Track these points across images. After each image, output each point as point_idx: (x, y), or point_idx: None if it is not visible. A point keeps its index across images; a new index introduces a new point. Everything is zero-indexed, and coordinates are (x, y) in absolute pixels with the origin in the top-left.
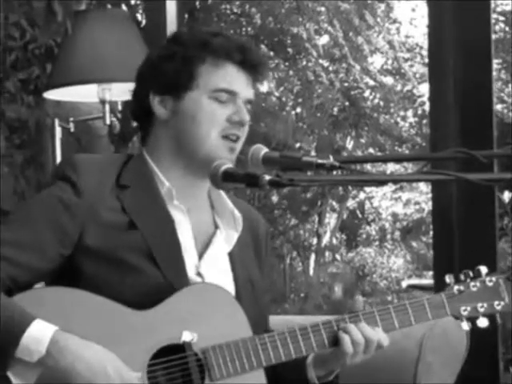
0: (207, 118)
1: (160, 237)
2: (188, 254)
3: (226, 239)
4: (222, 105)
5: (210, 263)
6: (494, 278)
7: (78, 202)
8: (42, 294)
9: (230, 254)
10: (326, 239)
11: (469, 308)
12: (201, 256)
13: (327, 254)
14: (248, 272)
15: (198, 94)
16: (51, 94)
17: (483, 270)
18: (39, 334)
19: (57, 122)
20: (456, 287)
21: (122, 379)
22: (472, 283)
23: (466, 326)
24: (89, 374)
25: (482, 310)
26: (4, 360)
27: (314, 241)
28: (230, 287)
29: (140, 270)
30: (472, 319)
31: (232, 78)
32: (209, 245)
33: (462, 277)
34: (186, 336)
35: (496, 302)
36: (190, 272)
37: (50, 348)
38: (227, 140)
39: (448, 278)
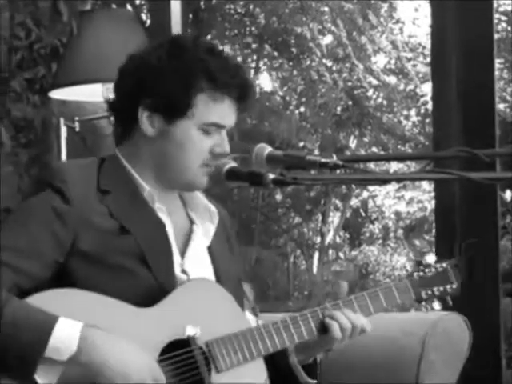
0: (194, 149)
1: (152, 240)
2: (173, 253)
3: (203, 233)
4: (208, 136)
5: (193, 260)
6: (443, 265)
7: (68, 209)
8: (44, 297)
9: (209, 248)
10: (329, 237)
11: (429, 292)
12: (183, 254)
13: (331, 252)
14: (226, 263)
15: (189, 124)
16: (57, 94)
17: (431, 258)
18: (67, 333)
19: (62, 121)
20: (416, 273)
21: (153, 373)
22: (427, 269)
23: (424, 309)
24: (121, 367)
25: (437, 293)
26: (33, 361)
27: (318, 239)
28: (212, 280)
29: (133, 273)
30: (429, 303)
31: (226, 113)
32: (189, 241)
33: (418, 264)
34: (190, 331)
35: (448, 286)
36: (176, 270)
37: (80, 345)
38: (207, 167)
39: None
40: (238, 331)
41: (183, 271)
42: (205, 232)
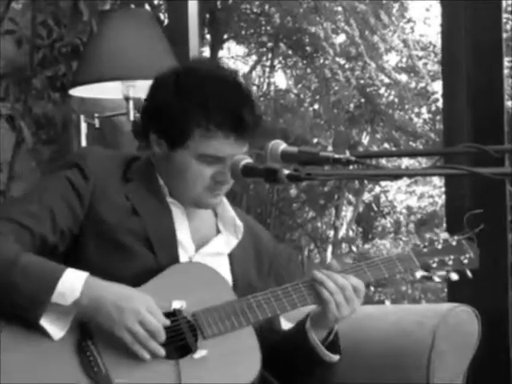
0: (193, 177)
1: (158, 224)
2: (184, 247)
3: (225, 242)
4: (208, 165)
5: (206, 257)
6: (456, 237)
7: (85, 185)
8: None
9: (230, 255)
10: (342, 231)
11: (437, 260)
12: (197, 251)
13: (344, 245)
14: (247, 274)
15: (187, 154)
16: (77, 91)
17: (445, 235)
18: (73, 280)
19: (82, 118)
20: (421, 245)
21: (147, 304)
22: (436, 243)
23: (437, 279)
24: (116, 301)
25: (450, 262)
26: (39, 305)
27: (331, 233)
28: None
29: (136, 254)
30: (444, 275)
31: (221, 146)
32: (206, 244)
33: (427, 240)
34: (176, 304)
35: (462, 257)
36: (182, 258)
37: (83, 290)
38: (212, 191)
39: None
40: (225, 302)
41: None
42: (227, 241)
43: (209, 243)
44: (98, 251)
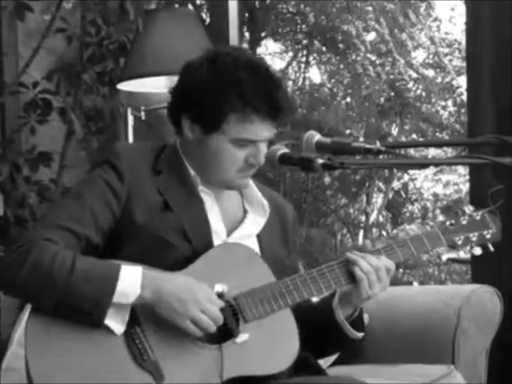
0: (228, 160)
1: (191, 215)
2: (216, 233)
3: (253, 223)
4: (241, 148)
5: (238, 240)
6: (479, 212)
7: (120, 185)
8: None
9: (259, 236)
10: (373, 217)
11: (462, 237)
12: (229, 235)
13: (374, 230)
14: (275, 252)
15: (222, 138)
16: (124, 86)
17: (470, 208)
18: (131, 277)
19: (129, 110)
20: (448, 222)
21: (206, 294)
22: (461, 218)
23: (463, 254)
24: (176, 292)
25: (474, 239)
26: (101, 309)
27: (363, 218)
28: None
29: (172, 245)
30: (466, 249)
31: (256, 130)
32: (237, 227)
33: (452, 215)
34: (218, 288)
35: (485, 232)
36: (216, 244)
37: (142, 285)
38: (243, 173)
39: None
40: (264, 284)
41: None
42: (255, 222)
43: (239, 226)
44: (135, 247)
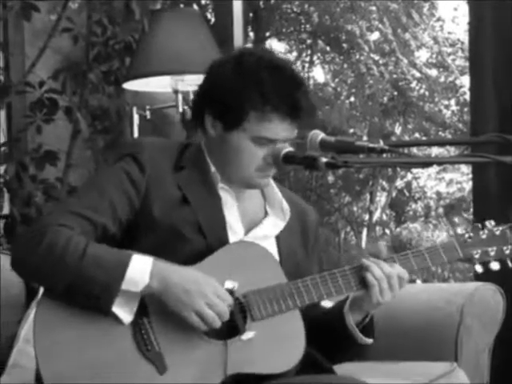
0: (247, 158)
1: (208, 211)
2: (233, 230)
3: (273, 225)
4: (261, 146)
5: (254, 241)
6: (500, 228)
7: (141, 177)
8: None
9: (278, 238)
10: (376, 215)
11: (479, 251)
12: (246, 234)
13: (378, 228)
14: (293, 254)
15: (243, 135)
16: (130, 85)
17: (490, 223)
18: (141, 266)
19: (135, 109)
20: (467, 235)
21: (213, 288)
22: (481, 232)
23: (479, 268)
24: (184, 284)
25: (492, 253)
26: (110, 294)
27: (366, 217)
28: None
29: (187, 239)
30: (485, 263)
31: (275, 129)
32: (256, 227)
33: (472, 228)
34: (228, 284)
35: (504, 247)
36: (232, 240)
37: (152, 275)
38: (262, 172)
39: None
40: (275, 284)
41: None
42: (275, 224)
43: (258, 226)
44: (151, 239)
